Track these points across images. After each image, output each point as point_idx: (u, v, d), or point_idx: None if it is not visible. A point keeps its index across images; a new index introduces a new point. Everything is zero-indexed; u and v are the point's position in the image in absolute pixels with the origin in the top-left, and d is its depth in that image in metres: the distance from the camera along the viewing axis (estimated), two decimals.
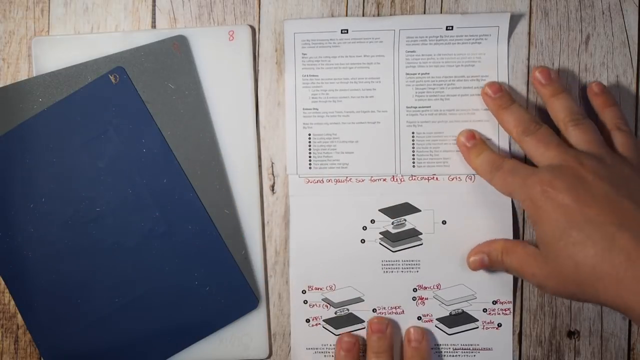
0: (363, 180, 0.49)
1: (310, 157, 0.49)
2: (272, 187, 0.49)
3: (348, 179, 0.49)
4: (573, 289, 0.41)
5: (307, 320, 0.49)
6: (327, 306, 0.49)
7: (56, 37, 0.49)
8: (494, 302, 0.49)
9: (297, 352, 0.49)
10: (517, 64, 0.49)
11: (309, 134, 0.49)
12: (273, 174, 0.49)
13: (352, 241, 0.49)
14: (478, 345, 0.49)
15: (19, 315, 0.49)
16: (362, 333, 0.49)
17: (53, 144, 0.48)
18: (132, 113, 0.48)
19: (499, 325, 0.49)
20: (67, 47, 0.48)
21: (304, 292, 0.49)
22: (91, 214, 0.48)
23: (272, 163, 0.49)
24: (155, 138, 0.48)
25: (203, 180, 0.48)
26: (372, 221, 0.49)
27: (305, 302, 0.49)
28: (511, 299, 0.49)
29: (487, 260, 0.47)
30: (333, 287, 0.49)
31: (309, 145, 0.49)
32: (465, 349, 0.49)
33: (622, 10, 0.49)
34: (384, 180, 0.49)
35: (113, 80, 0.48)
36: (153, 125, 0.48)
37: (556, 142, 0.44)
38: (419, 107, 0.49)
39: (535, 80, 0.47)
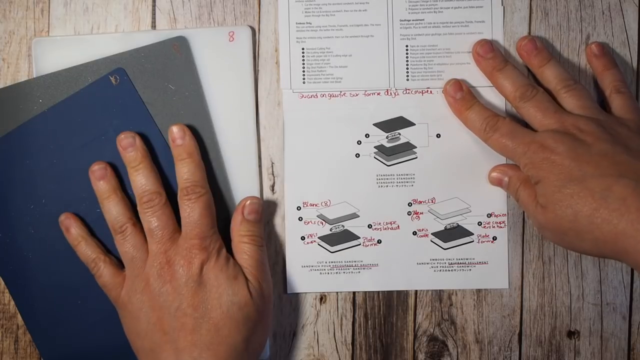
0: (357, 95, 0.49)
1: (304, 71, 0.49)
2: (272, 187, 0.49)
3: (342, 93, 0.49)
4: (572, 238, 0.42)
5: (302, 238, 0.49)
6: (322, 223, 0.49)
7: (56, 37, 0.49)
8: (489, 215, 0.49)
9: (292, 270, 0.49)
10: (518, 65, 0.49)
11: (303, 49, 0.49)
12: (273, 174, 0.49)
13: (347, 156, 0.49)
14: (474, 259, 0.49)
15: (19, 315, 0.49)
16: (358, 250, 0.49)
17: (53, 145, 0.48)
18: (132, 114, 0.48)
19: (494, 238, 0.49)
20: (67, 47, 0.48)
21: (299, 208, 0.49)
22: (91, 214, 0.48)
23: (272, 163, 0.49)
24: (156, 138, 0.48)
25: None
26: (367, 135, 0.49)
27: (300, 219, 0.49)
28: (505, 212, 0.49)
29: (506, 182, 0.47)
30: (328, 203, 0.49)
31: (303, 60, 0.49)
32: (460, 263, 0.49)
33: (622, 10, 0.49)
34: (378, 94, 0.49)
35: (113, 82, 0.48)
36: (153, 126, 0.48)
37: (553, 108, 0.45)
38: (413, 20, 0.49)
39: (522, 51, 0.48)
